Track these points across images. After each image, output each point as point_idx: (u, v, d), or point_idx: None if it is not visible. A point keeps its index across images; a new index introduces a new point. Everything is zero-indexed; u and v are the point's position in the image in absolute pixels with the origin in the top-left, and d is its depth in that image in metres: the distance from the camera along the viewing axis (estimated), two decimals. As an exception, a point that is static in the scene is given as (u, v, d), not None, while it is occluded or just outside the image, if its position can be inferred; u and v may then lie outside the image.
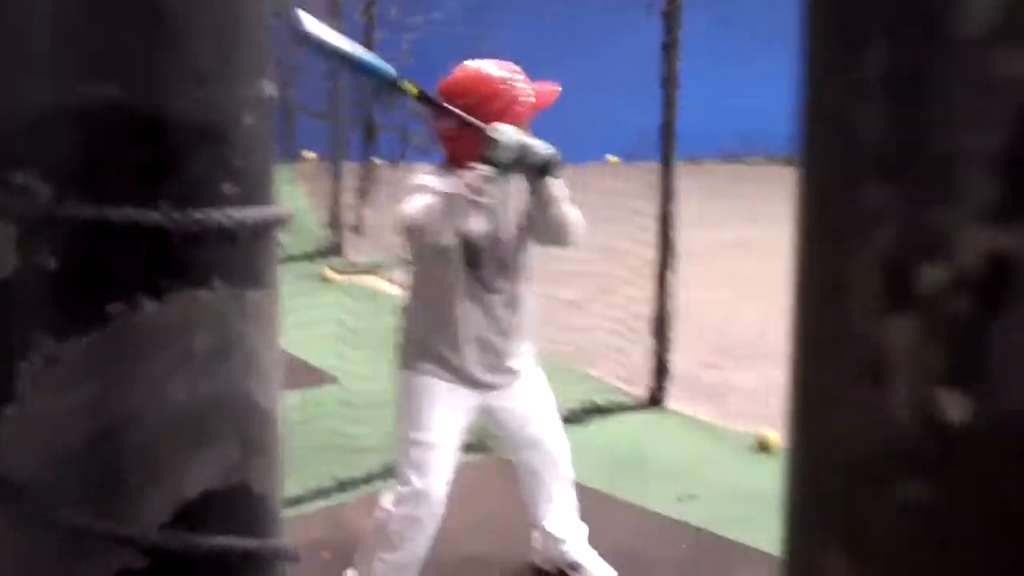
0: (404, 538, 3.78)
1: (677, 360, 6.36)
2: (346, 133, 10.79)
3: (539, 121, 3.70)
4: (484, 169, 3.34)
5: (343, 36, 3.50)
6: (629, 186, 6.85)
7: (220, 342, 1.08)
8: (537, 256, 3.95)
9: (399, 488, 3.79)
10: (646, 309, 6.46)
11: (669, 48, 6.04)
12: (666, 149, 6.20)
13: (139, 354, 1.03)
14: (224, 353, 1.08)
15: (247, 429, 1.08)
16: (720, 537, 4.62)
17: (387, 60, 8.81)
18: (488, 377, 3.81)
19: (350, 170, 10.47)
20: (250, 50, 1.12)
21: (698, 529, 4.68)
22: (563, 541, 4.16)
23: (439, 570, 4.04)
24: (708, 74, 10.13)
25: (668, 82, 6.08)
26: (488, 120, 3.47)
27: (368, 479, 5.10)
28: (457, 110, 3.50)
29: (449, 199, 3.36)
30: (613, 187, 7.25)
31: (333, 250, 9.99)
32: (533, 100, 3.66)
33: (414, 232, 3.47)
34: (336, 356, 6.21)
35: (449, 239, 3.49)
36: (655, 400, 6.24)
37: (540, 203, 3.61)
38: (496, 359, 3.80)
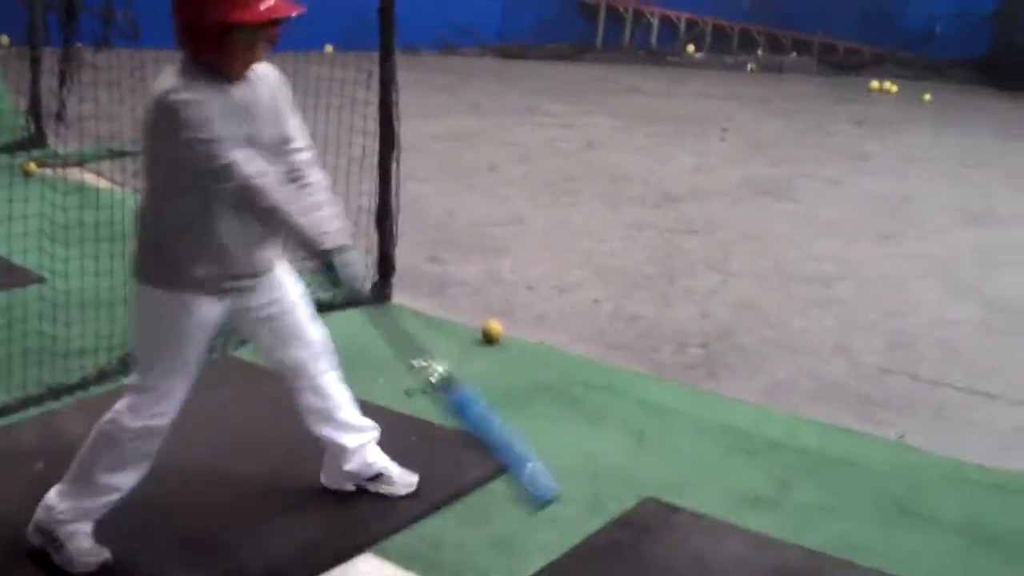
0: (140, 452, 3.59)
1: (400, 253, 6.33)
2: (44, 16, 10.11)
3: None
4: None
5: None
6: (347, 74, 6.72)
7: None
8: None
9: (138, 396, 3.58)
10: (368, 201, 6.38)
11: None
12: (385, 36, 6.06)
13: None
14: None
15: None
16: (445, 427, 4.65)
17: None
18: (245, 285, 3.61)
19: (50, 55, 9.83)
20: None
21: (425, 421, 4.69)
22: (361, 454, 4.04)
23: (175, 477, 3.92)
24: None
25: (385, -35, 5.93)
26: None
27: (83, 384, 4.88)
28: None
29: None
30: (331, 75, 7.09)
31: (35, 141, 9.41)
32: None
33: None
34: (42, 254, 5.88)
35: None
36: (380, 294, 6.20)
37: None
38: (253, 264, 3.59)
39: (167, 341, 3.56)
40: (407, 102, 6.24)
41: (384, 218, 6.23)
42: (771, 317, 6.45)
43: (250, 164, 3.32)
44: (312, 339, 3.90)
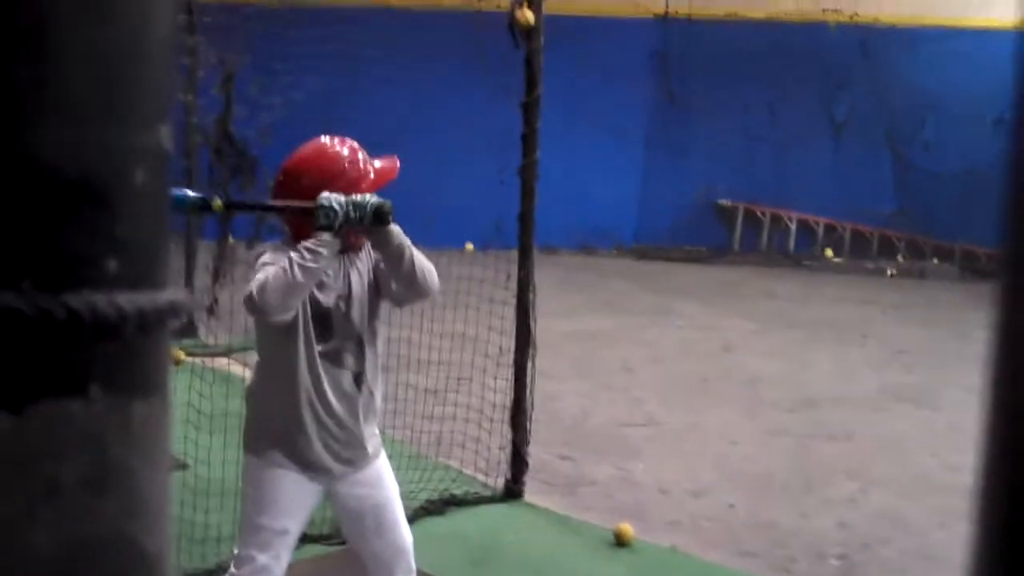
0: None
1: (533, 451, 6.35)
2: (201, 211, 10.58)
3: (397, 207, 3.65)
4: (320, 235, 3.41)
5: None
6: (486, 274, 6.87)
7: (96, 471, 0.83)
8: (392, 342, 3.91)
9: (236, 571, 3.66)
10: (503, 398, 6.45)
11: (528, 138, 6.11)
12: (524, 238, 6.24)
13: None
14: (101, 486, 0.83)
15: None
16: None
17: (244, 138, 8.70)
18: (336, 460, 3.71)
19: (204, 249, 10.28)
20: (146, 85, 0.86)
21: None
22: None
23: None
24: (564, 166, 10.30)
25: (527, 171, 6.14)
26: None
27: (218, 570, 4.94)
28: (277, 203, 3.68)
29: (285, 270, 3.36)
30: (471, 275, 7.27)
31: (185, 331, 9.76)
32: (373, 177, 3.67)
33: (257, 307, 3.41)
34: (186, 441, 6.04)
35: (292, 310, 3.46)
36: (512, 492, 6.21)
37: (387, 252, 3.60)
38: (345, 438, 3.70)
39: (258, 508, 3.66)
40: (543, 300, 6.36)
41: (518, 415, 6.28)
42: (911, 528, 6.26)
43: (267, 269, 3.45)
44: (397, 541, 3.92)
